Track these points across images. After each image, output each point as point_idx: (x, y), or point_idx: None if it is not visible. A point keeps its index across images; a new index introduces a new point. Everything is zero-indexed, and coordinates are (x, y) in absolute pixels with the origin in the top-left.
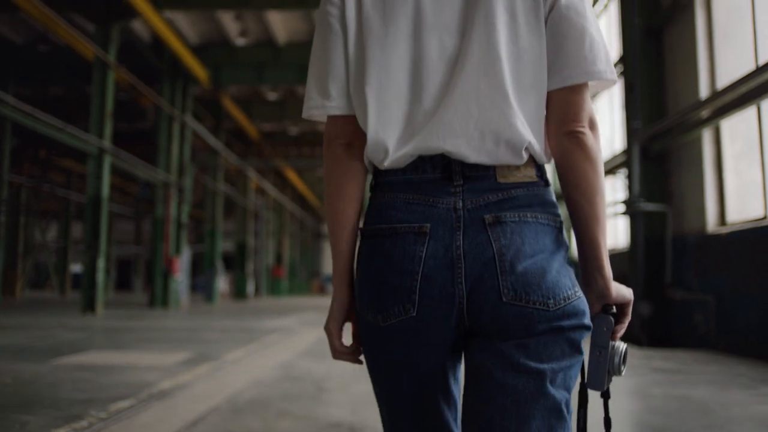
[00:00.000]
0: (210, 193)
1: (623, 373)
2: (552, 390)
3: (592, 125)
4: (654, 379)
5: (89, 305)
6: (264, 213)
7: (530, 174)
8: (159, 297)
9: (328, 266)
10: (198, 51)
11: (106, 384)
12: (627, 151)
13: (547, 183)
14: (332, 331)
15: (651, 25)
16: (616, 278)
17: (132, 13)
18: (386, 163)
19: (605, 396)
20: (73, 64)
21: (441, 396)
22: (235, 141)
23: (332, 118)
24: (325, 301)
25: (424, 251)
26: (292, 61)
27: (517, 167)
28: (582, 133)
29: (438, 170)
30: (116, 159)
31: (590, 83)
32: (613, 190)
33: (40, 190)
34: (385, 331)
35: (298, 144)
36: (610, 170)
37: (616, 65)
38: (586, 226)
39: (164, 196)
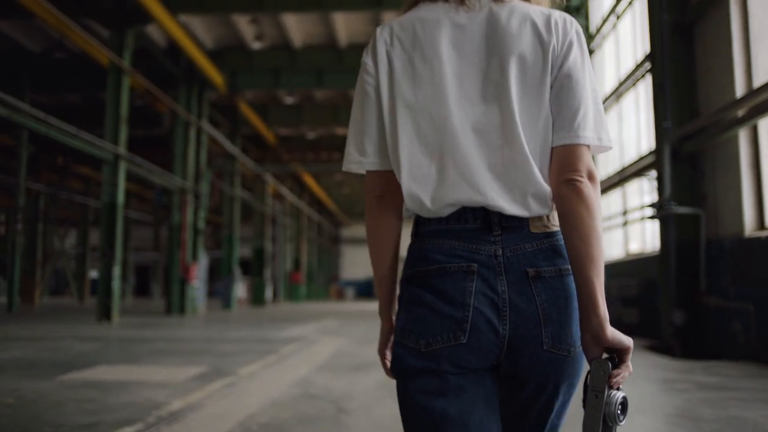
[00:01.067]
0: (227, 199)
1: (623, 423)
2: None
3: (591, 176)
4: (700, 397)
5: (105, 314)
6: (281, 218)
7: (555, 222)
8: (176, 304)
9: (346, 271)
10: (214, 56)
11: (113, 405)
12: (657, 153)
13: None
14: (382, 356)
15: (680, 21)
16: (646, 284)
17: (147, 18)
18: (430, 211)
19: None
20: (89, 71)
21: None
22: (252, 146)
23: (369, 173)
24: (344, 307)
25: (474, 287)
26: (309, 65)
27: (542, 218)
28: (579, 181)
29: (479, 221)
30: (132, 165)
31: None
32: (640, 196)
33: (58, 197)
34: (425, 355)
35: (315, 148)
36: (637, 172)
37: (643, 62)
38: (582, 266)
39: (180, 203)
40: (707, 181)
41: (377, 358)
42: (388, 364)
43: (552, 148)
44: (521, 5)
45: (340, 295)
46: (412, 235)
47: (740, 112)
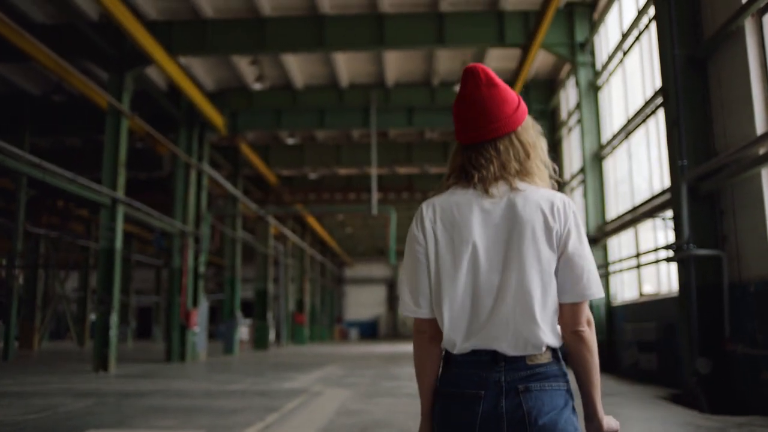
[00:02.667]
0: (229, 241)
1: None
2: None
3: (589, 323)
4: None
5: (102, 364)
6: (284, 259)
7: (547, 357)
8: (176, 351)
9: (350, 311)
10: (214, 97)
11: None
12: (673, 192)
13: (558, 360)
14: None
15: (693, 55)
16: (664, 328)
17: (146, 60)
18: (456, 351)
19: None
20: (89, 114)
21: None
22: (254, 187)
23: (420, 319)
24: (348, 349)
25: (480, 409)
26: (310, 105)
27: (536, 355)
28: (582, 331)
29: (489, 357)
30: (130, 209)
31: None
32: (654, 234)
33: (59, 241)
34: None
35: (317, 189)
36: (650, 212)
37: (654, 98)
38: (584, 386)
39: (181, 246)
40: (727, 221)
41: (386, 417)
42: None
43: (561, 304)
44: (531, 193)
45: (345, 337)
46: (444, 361)
47: (761, 150)
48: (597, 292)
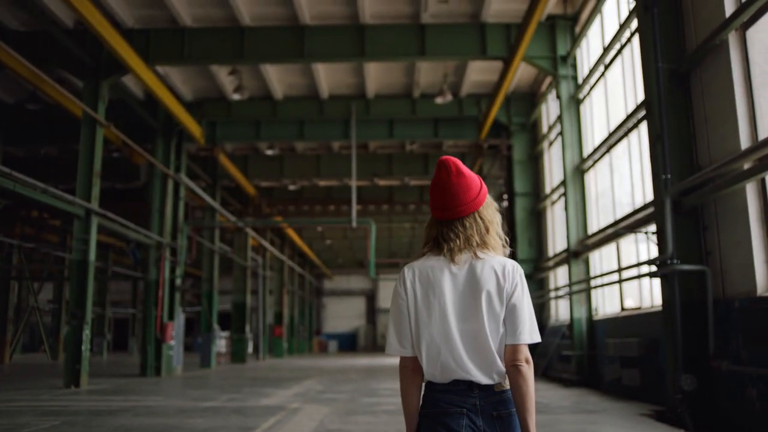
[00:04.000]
0: (207, 253)
1: None
2: None
3: (527, 361)
4: None
5: (73, 379)
6: (262, 271)
7: (504, 386)
8: (151, 365)
9: (329, 324)
10: (192, 107)
11: None
12: (656, 206)
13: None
14: None
15: (676, 69)
16: (647, 343)
17: (122, 68)
18: (438, 381)
19: None
20: (64, 123)
21: None
22: (232, 198)
23: (404, 357)
24: (327, 362)
25: (464, 422)
26: (290, 117)
27: (500, 383)
28: (521, 366)
29: (465, 385)
30: (105, 220)
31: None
32: (636, 248)
33: (33, 252)
34: None
35: (296, 200)
36: (632, 226)
37: (636, 112)
38: (520, 412)
39: (157, 258)
40: (711, 237)
41: None
42: None
43: (506, 345)
44: (488, 260)
45: (323, 349)
46: (426, 389)
47: (746, 165)
48: (531, 339)
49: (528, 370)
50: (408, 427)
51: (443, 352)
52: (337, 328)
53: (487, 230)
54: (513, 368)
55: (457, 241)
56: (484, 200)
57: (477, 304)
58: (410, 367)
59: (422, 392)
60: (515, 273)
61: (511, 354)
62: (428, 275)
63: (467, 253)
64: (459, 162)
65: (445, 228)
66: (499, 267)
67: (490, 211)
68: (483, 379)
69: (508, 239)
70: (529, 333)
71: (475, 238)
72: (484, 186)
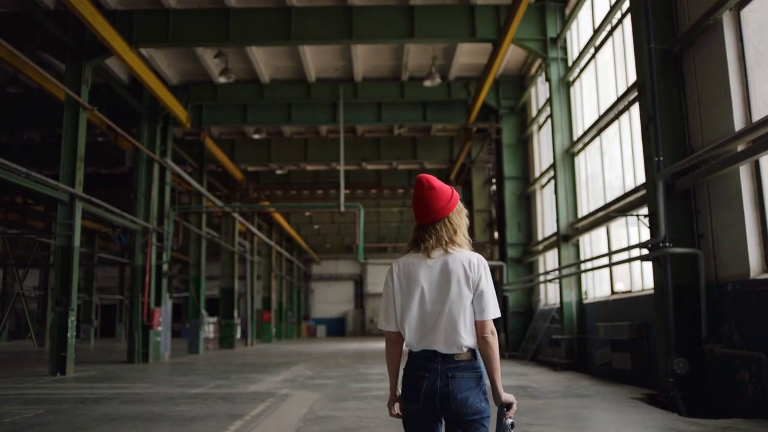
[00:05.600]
0: (194, 238)
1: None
2: None
3: (492, 332)
4: None
5: (59, 367)
6: (250, 256)
7: (468, 356)
8: (139, 351)
9: (317, 309)
10: (178, 91)
11: None
12: (648, 189)
13: (476, 358)
14: (390, 410)
15: (669, 50)
16: (638, 327)
17: (105, 51)
18: (414, 350)
19: None
20: (46, 107)
21: None
22: (219, 183)
23: (389, 331)
24: (316, 347)
25: (424, 384)
26: (277, 100)
27: (463, 353)
28: (486, 337)
29: (431, 354)
30: (90, 206)
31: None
32: (627, 232)
33: (18, 238)
34: (410, 411)
35: (284, 185)
36: (623, 209)
37: (627, 94)
38: (489, 372)
39: (143, 244)
40: (703, 220)
41: (355, 424)
42: (394, 411)
43: (475, 321)
44: (457, 255)
45: (312, 334)
46: (408, 354)
47: (740, 147)
48: (494, 314)
49: (493, 339)
50: (390, 379)
51: (418, 327)
52: (326, 313)
53: (455, 232)
54: (482, 339)
55: (431, 241)
56: (454, 208)
57: (447, 290)
58: (392, 339)
59: (402, 357)
60: (480, 265)
61: (480, 328)
62: (409, 268)
63: (440, 250)
64: (432, 178)
65: (422, 231)
66: (466, 260)
67: (458, 217)
68: (444, 350)
69: (470, 240)
70: (493, 311)
71: (445, 237)
72: (456, 195)
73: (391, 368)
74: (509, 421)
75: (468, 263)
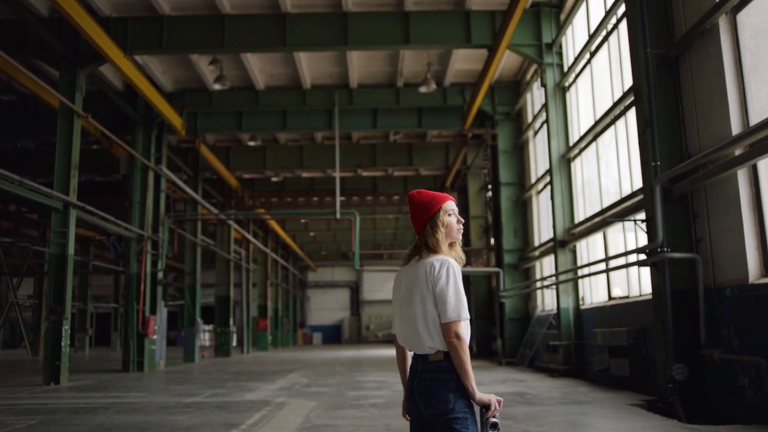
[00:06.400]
0: (189, 246)
1: (492, 429)
2: None
3: (456, 335)
4: None
5: (52, 376)
6: (245, 263)
7: (440, 356)
8: (134, 360)
9: (313, 316)
10: (173, 98)
11: None
12: (646, 193)
13: (448, 359)
14: (402, 412)
15: (665, 54)
16: (636, 333)
17: (99, 58)
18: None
19: None
20: (40, 114)
21: None
22: (214, 190)
23: (395, 335)
24: (312, 355)
25: (413, 383)
26: (272, 107)
27: (433, 354)
28: (451, 341)
29: (415, 356)
30: (84, 213)
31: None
32: (624, 237)
33: (12, 246)
34: (408, 410)
35: (279, 192)
36: (620, 214)
37: (623, 98)
38: (460, 378)
39: (138, 251)
40: (701, 224)
41: None
42: (405, 416)
43: (440, 323)
44: (425, 259)
45: (308, 341)
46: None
47: (737, 151)
48: (456, 316)
49: (457, 342)
50: (402, 380)
51: (400, 331)
52: (322, 320)
53: (432, 237)
54: (447, 343)
55: (412, 249)
56: (431, 215)
57: (412, 294)
58: (396, 342)
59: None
60: (442, 267)
61: (444, 331)
62: (398, 276)
63: (417, 256)
64: (417, 193)
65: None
66: (429, 264)
67: (437, 223)
68: (419, 351)
69: (460, 242)
70: (454, 311)
71: (423, 243)
72: (436, 202)
73: (400, 371)
74: (491, 421)
75: (430, 266)
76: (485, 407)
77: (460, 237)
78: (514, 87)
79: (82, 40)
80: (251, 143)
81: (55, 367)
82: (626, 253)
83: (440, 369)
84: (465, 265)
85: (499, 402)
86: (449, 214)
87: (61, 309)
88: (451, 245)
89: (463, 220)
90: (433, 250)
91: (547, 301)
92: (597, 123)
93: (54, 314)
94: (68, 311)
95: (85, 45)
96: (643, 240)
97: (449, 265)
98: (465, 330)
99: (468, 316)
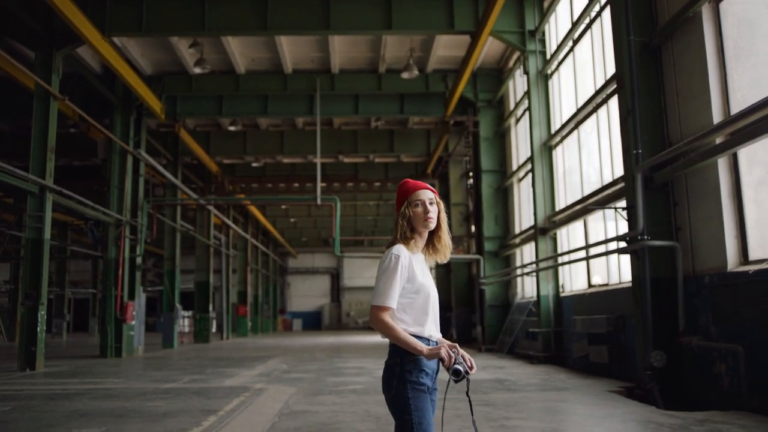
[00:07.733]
0: (168, 231)
1: (455, 378)
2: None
3: (376, 319)
4: None
5: (28, 362)
6: (225, 249)
7: (390, 343)
8: (111, 346)
9: (294, 302)
10: (152, 81)
11: None
12: (627, 182)
13: (395, 345)
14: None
15: (648, 42)
16: (615, 320)
17: (77, 39)
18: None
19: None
20: (16, 97)
21: None
22: (194, 175)
23: (389, 307)
24: (292, 341)
25: None
26: (253, 91)
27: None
28: (375, 325)
29: None
30: (61, 197)
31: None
32: (604, 225)
33: None
34: None
35: (260, 178)
36: (601, 202)
37: (605, 86)
38: (404, 348)
39: (116, 236)
40: (681, 213)
41: (331, 419)
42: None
43: None
44: (386, 250)
45: (288, 328)
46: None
47: (718, 139)
48: (373, 302)
49: (377, 324)
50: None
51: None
52: (302, 306)
53: (394, 227)
54: (372, 326)
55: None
56: (398, 208)
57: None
58: (389, 312)
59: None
60: (386, 257)
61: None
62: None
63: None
64: (401, 183)
65: None
66: (384, 254)
67: (399, 214)
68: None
69: (410, 230)
70: (377, 298)
71: (393, 231)
72: (404, 195)
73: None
74: (453, 368)
75: (383, 256)
76: (442, 360)
77: (431, 225)
78: (497, 74)
79: (59, 20)
80: (232, 128)
81: (30, 352)
82: (606, 241)
83: (390, 354)
84: None
85: (452, 348)
86: (416, 205)
87: (37, 294)
88: (418, 234)
89: (433, 209)
90: (392, 240)
91: (527, 288)
92: (579, 111)
93: (30, 299)
94: (44, 296)
95: (62, 26)
96: (623, 228)
97: (391, 256)
98: (390, 317)
99: (391, 306)
